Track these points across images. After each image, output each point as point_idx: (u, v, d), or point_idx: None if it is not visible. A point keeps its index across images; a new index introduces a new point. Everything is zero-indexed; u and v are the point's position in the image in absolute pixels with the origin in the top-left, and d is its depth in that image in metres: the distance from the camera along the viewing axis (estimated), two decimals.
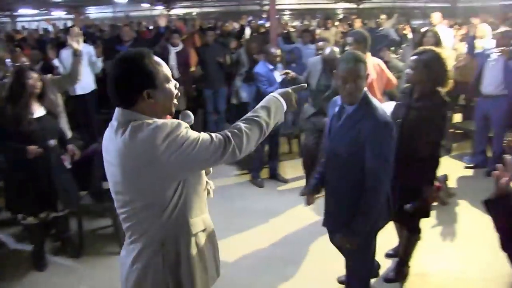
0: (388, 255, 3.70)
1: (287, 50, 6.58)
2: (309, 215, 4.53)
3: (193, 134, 1.66)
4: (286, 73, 4.76)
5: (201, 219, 1.87)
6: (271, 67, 5.07)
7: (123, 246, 1.88)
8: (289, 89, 1.95)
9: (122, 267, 1.86)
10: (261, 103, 1.87)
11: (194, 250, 1.82)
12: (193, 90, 7.06)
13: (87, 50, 5.88)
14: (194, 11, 20.02)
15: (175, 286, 1.79)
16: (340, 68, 2.52)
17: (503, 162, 1.58)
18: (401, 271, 3.49)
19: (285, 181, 5.43)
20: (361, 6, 17.22)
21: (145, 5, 18.69)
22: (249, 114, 1.81)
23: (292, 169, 5.69)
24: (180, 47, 6.83)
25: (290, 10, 19.36)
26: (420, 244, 3.50)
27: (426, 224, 4.05)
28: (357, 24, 8.74)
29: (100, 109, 6.82)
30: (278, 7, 17.46)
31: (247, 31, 9.12)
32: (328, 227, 2.83)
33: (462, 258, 3.70)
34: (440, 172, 4.84)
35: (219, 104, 6.79)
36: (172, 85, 1.75)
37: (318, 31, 8.99)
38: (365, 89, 2.54)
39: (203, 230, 1.88)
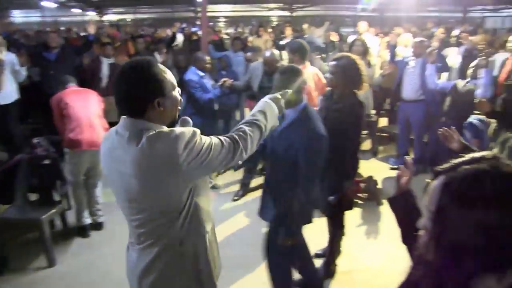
0: (317, 255, 3.83)
1: (217, 57, 6.64)
2: (242, 220, 4.61)
3: (207, 140, 1.74)
4: (225, 81, 4.88)
5: (209, 217, 1.96)
6: (202, 74, 5.11)
7: (132, 251, 1.90)
8: (277, 94, 2.09)
9: (133, 270, 1.88)
10: (257, 108, 1.99)
11: (208, 247, 1.92)
12: None
13: (9, 58, 5.65)
14: (128, 17, 19.62)
15: (197, 283, 1.89)
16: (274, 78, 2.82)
17: (405, 163, 1.72)
18: (328, 269, 3.66)
19: (217, 188, 5.47)
20: (294, 14, 17.64)
21: (76, 11, 18.11)
22: (249, 118, 1.93)
23: (223, 176, 5.73)
24: (113, 58, 6.67)
25: (225, 17, 19.47)
26: (346, 243, 3.68)
27: (352, 223, 4.26)
28: (288, 31, 8.95)
29: (26, 119, 6.55)
30: (212, 14, 17.64)
31: (180, 38, 9.08)
32: (265, 219, 3.01)
33: (385, 255, 3.91)
34: (367, 173, 5.11)
35: None
36: (177, 92, 1.79)
37: (250, 38, 9.13)
38: (305, 100, 2.80)
39: (211, 227, 1.98)
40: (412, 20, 11.32)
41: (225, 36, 10.47)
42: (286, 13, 17.83)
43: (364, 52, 5.67)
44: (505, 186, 0.94)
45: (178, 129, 1.70)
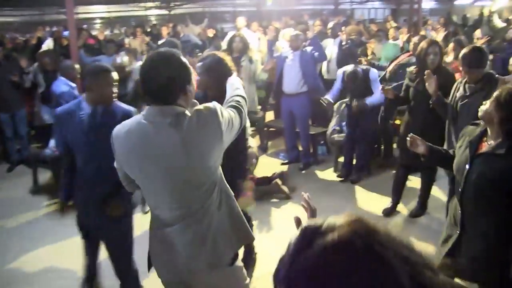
0: None
1: (89, 63, 6.15)
2: None
3: (225, 110, 1.97)
4: None
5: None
6: (73, 85, 4.66)
7: (164, 230, 1.99)
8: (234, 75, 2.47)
9: (174, 246, 1.98)
10: (234, 85, 2.24)
11: (238, 206, 2.15)
12: None
13: None
14: None
15: (238, 240, 2.14)
16: None
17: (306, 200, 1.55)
18: (250, 256, 3.68)
19: None
20: (172, 12, 17.26)
21: None
22: (232, 92, 2.18)
23: None
24: None
25: (101, 18, 18.44)
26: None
27: (262, 225, 4.18)
28: (164, 31, 8.64)
29: None
30: (88, 15, 16.56)
31: (49, 44, 8.31)
32: None
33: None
34: (259, 170, 5.04)
35: (19, 128, 6.01)
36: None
37: (126, 40, 8.67)
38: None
39: None
40: (289, 13, 11.63)
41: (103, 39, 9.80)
42: (164, 11, 17.38)
43: (244, 48, 5.62)
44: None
45: (208, 104, 1.92)
